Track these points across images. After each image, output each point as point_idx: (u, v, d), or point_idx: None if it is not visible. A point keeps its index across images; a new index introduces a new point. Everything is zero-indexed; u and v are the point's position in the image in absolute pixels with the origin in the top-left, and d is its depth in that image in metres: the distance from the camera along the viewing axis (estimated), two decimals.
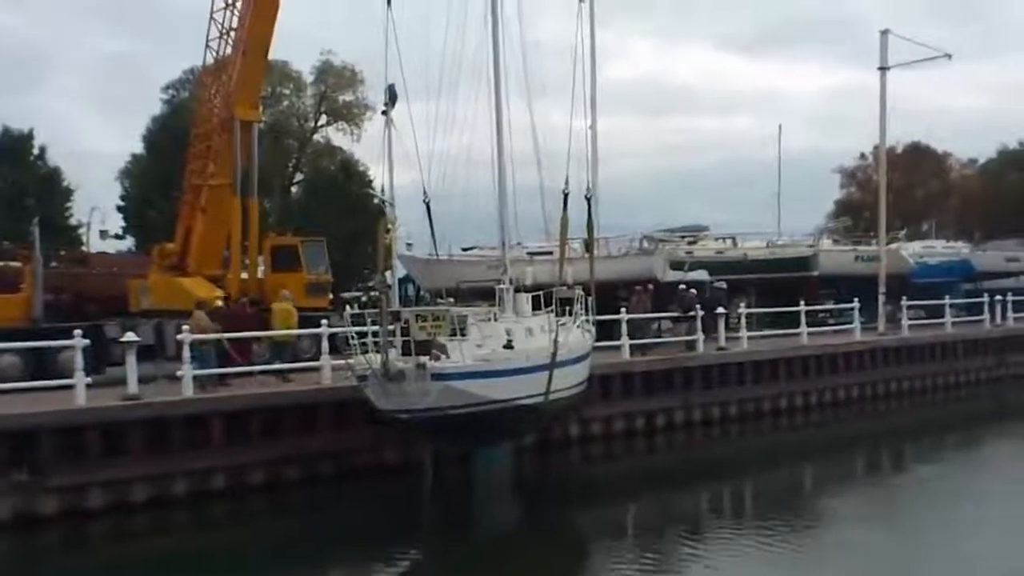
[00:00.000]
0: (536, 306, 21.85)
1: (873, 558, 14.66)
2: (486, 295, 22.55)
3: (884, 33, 34.46)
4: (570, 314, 20.64)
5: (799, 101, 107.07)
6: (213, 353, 20.06)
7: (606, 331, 25.51)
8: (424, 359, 17.05)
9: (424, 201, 22.90)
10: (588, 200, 22.39)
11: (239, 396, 19.35)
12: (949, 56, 35.01)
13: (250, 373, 21.11)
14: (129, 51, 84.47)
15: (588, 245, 23.27)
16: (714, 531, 16.94)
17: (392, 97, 21.73)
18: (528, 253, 31.06)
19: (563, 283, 21.62)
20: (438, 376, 17.01)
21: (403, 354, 17.66)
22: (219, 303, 22.59)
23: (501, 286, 21.82)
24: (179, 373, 18.96)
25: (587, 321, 22.61)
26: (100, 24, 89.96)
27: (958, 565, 14.39)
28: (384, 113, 21.84)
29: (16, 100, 78.92)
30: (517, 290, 22.11)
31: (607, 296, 26.50)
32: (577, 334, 21.30)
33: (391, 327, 17.48)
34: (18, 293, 24.92)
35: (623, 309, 25.96)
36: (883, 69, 34.53)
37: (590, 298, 22.48)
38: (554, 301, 21.03)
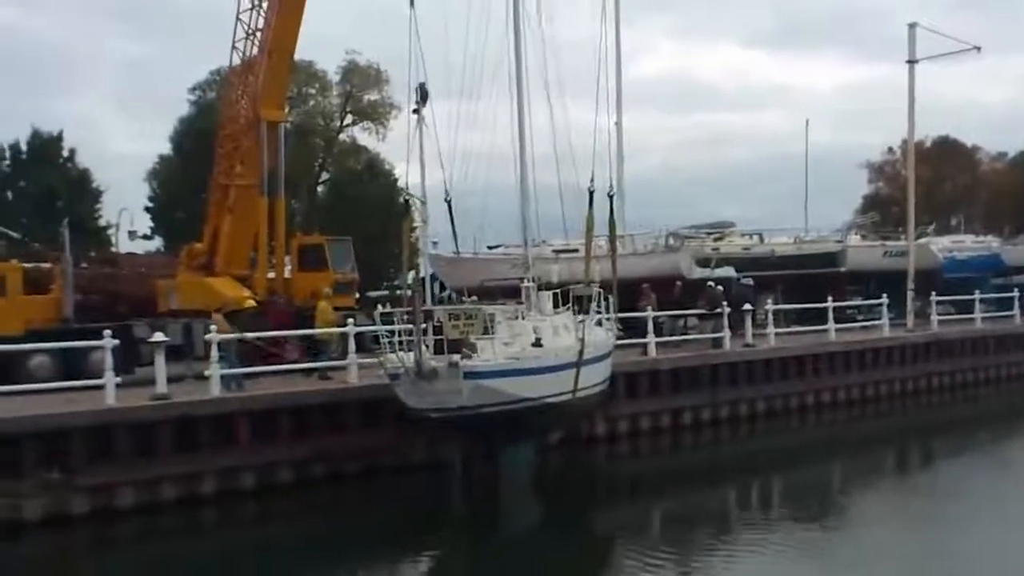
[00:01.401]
0: (555, 304, 21.85)
1: (900, 557, 14.55)
2: (510, 293, 22.56)
3: (912, 26, 34.05)
4: (587, 312, 20.64)
5: (825, 96, 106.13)
6: (233, 354, 20.10)
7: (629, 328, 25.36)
8: (456, 357, 17.11)
9: (446, 199, 22.94)
10: (611, 197, 22.38)
11: (266, 395, 19.44)
12: (978, 49, 34.66)
13: (289, 371, 21.21)
14: (156, 53, 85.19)
15: (611, 242, 23.19)
16: (741, 529, 16.88)
17: (423, 96, 21.66)
18: (553, 251, 31.02)
19: (588, 281, 21.60)
20: (470, 374, 17.04)
21: (435, 352, 17.72)
22: (251, 303, 22.59)
23: (525, 284, 21.82)
24: (207, 373, 19.10)
25: (608, 319, 22.57)
26: (127, 26, 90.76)
27: (985, 564, 14.22)
28: (415, 112, 21.72)
29: (46, 103, 79.80)
30: (540, 288, 22.11)
31: (633, 294, 26.44)
32: (600, 332, 21.27)
33: (423, 325, 17.54)
34: (49, 294, 25.17)
35: None
36: (911, 62, 34.19)
37: (611, 296, 22.43)
38: (571, 299, 20.99)
